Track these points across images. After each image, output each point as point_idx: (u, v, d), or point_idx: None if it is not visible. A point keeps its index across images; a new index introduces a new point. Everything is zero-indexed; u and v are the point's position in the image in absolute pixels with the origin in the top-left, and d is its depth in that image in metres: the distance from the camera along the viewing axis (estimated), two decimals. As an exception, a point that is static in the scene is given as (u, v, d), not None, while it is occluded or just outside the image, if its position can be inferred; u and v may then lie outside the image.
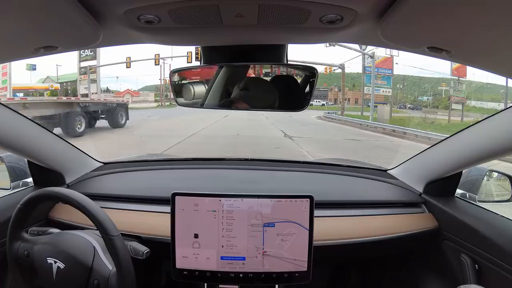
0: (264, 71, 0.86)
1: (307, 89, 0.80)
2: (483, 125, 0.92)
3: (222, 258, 0.91)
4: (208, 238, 0.90)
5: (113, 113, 11.31)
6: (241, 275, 0.91)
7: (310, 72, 0.81)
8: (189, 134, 9.63)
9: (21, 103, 8.41)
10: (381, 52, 18.91)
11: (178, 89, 0.89)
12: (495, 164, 1.35)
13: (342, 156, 6.99)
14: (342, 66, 21.11)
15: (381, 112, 18.19)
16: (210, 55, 0.78)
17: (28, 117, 1.01)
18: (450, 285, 1.04)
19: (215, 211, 0.90)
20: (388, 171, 1.37)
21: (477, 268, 0.96)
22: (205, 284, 1.01)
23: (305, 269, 0.90)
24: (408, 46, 0.63)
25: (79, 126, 9.62)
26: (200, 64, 0.81)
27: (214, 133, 10.52)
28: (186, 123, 12.90)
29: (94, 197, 0.93)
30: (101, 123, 11.15)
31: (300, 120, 15.19)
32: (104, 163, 1.41)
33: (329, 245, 1.02)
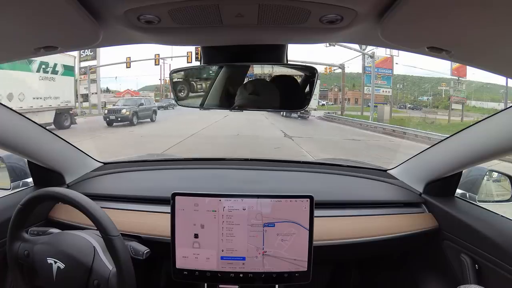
0: (264, 71, 0.86)
1: (307, 89, 0.80)
2: (483, 125, 0.92)
3: (222, 258, 0.90)
4: (208, 238, 0.90)
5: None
6: (241, 275, 0.91)
7: (310, 72, 0.81)
8: (189, 134, 9.63)
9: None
10: (381, 52, 18.91)
11: (178, 89, 0.89)
12: (495, 164, 1.35)
13: (342, 156, 6.99)
14: (342, 66, 21.09)
15: (381, 112, 18.18)
16: (210, 55, 0.78)
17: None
18: (450, 285, 1.04)
19: (215, 211, 0.89)
20: (388, 171, 1.37)
21: (477, 268, 0.96)
22: (205, 284, 1.01)
23: (305, 269, 0.90)
24: (408, 46, 0.63)
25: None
26: (200, 64, 0.81)
27: (214, 133, 10.52)
28: (186, 123, 12.90)
29: (94, 197, 0.93)
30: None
31: (300, 120, 15.19)
32: (104, 163, 1.41)
33: (329, 245, 1.02)
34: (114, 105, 14.39)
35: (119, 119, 12.10)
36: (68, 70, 11.28)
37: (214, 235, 0.90)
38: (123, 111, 12.35)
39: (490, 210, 1.03)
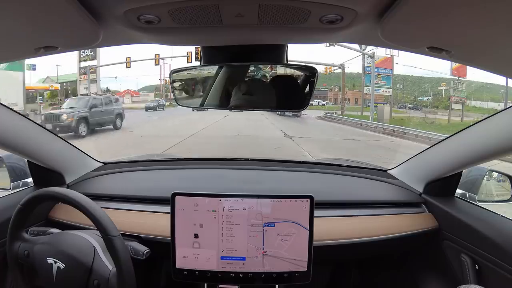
0: (263, 71, 0.86)
1: (307, 89, 0.80)
2: (483, 125, 0.92)
3: (222, 258, 0.90)
4: (208, 238, 0.90)
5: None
6: (241, 275, 0.91)
7: (310, 72, 0.81)
8: (189, 134, 9.64)
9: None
10: (381, 52, 18.91)
11: (178, 89, 0.89)
12: (495, 164, 1.35)
13: (342, 156, 7.00)
14: (342, 66, 21.10)
15: (381, 112, 18.18)
16: (210, 55, 0.78)
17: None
18: (450, 285, 1.04)
19: (215, 211, 0.89)
20: (388, 171, 1.37)
21: (477, 268, 0.96)
22: (205, 284, 1.01)
23: (305, 269, 0.90)
24: (408, 46, 0.63)
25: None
26: (200, 64, 0.81)
27: (214, 133, 10.53)
28: (186, 123, 12.90)
29: (94, 197, 0.93)
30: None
31: (300, 120, 15.21)
32: (104, 163, 1.41)
33: (329, 245, 1.02)
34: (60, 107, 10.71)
35: (57, 128, 8.37)
36: (14, 63, 8.02)
37: (214, 235, 0.90)
38: (63, 117, 8.80)
39: (490, 210, 1.03)
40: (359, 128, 14.20)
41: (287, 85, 0.85)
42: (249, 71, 0.84)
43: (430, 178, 1.16)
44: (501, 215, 0.99)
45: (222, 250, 0.90)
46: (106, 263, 0.80)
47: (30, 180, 1.17)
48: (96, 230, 0.80)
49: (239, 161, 1.52)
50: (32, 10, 0.47)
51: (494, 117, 0.87)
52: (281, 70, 0.86)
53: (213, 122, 13.05)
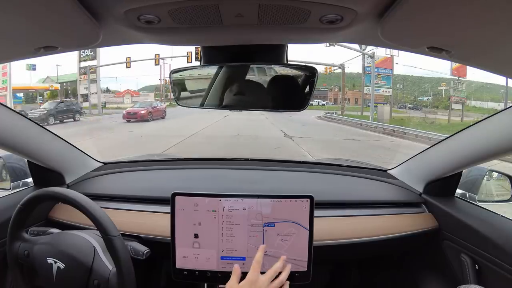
0: (263, 71, 0.86)
1: (307, 89, 0.80)
2: (483, 125, 0.92)
3: (222, 258, 0.90)
4: (208, 238, 0.90)
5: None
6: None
7: (310, 72, 0.81)
8: (189, 134, 9.64)
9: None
10: (381, 52, 18.94)
11: (178, 89, 0.89)
12: (495, 164, 1.35)
13: (342, 156, 7.00)
14: (342, 66, 21.13)
15: (381, 112, 18.19)
16: (210, 55, 0.78)
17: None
18: (450, 285, 1.04)
19: (215, 211, 0.89)
20: (388, 171, 1.37)
21: (477, 268, 0.96)
22: (205, 284, 1.01)
23: (305, 269, 0.90)
24: (408, 46, 0.63)
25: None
26: (200, 64, 0.81)
27: (214, 133, 10.53)
28: (186, 122, 12.91)
29: (94, 197, 0.93)
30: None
31: (300, 120, 15.21)
32: (104, 163, 1.41)
33: (329, 245, 1.02)
34: None
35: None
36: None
37: (214, 235, 0.90)
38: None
39: (490, 210, 1.03)
40: (359, 128, 14.20)
41: (287, 85, 0.84)
42: (249, 71, 0.84)
43: (430, 178, 1.16)
44: (501, 215, 0.99)
45: (222, 250, 0.90)
46: (106, 263, 0.80)
47: (30, 180, 1.17)
48: (96, 230, 0.80)
49: (239, 161, 1.52)
50: (32, 10, 0.47)
51: (494, 117, 0.87)
52: (281, 70, 0.86)
53: (213, 122, 13.06)
